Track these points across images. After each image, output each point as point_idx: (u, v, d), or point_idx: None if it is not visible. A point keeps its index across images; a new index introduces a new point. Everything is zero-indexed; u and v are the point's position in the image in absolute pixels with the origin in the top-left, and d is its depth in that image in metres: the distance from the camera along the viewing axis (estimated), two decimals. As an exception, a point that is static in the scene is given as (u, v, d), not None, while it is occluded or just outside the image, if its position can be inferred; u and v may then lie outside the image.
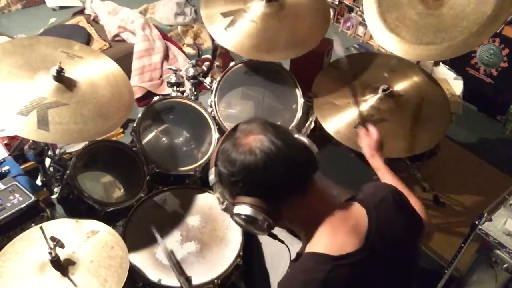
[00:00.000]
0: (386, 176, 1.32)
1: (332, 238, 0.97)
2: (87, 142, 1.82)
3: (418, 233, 1.12)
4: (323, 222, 0.99)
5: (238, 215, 0.97)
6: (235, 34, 1.96)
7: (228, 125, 2.00)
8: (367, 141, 1.42)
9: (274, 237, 1.07)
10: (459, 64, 2.79)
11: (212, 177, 1.01)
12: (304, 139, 1.07)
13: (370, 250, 0.97)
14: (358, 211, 1.03)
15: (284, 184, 0.97)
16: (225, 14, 2.00)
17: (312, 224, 1.00)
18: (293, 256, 1.05)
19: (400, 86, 1.98)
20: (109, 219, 1.68)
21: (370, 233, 0.98)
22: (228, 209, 1.02)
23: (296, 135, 1.07)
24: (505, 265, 1.66)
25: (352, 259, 0.95)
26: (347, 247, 0.96)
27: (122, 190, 1.88)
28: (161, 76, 3.16)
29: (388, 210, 1.05)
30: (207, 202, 1.83)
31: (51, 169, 1.93)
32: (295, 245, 1.09)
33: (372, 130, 1.43)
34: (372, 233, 0.99)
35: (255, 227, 0.99)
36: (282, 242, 1.09)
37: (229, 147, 0.98)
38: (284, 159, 0.96)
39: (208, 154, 1.93)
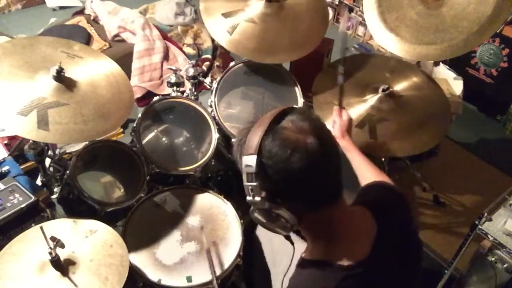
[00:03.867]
0: (356, 158, 1.34)
1: (342, 247, 0.96)
2: (87, 142, 1.82)
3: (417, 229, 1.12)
4: (336, 231, 0.97)
5: (268, 211, 0.90)
6: (235, 35, 1.96)
7: (228, 125, 2.01)
8: (339, 121, 1.55)
9: (288, 237, 1.02)
10: (459, 64, 2.79)
11: (251, 165, 0.88)
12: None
13: (379, 257, 0.96)
14: (366, 217, 1.01)
15: (322, 193, 0.92)
16: (225, 15, 2.00)
17: (325, 232, 0.97)
18: (296, 257, 1.05)
19: (400, 86, 1.98)
20: (109, 219, 1.68)
21: (378, 240, 0.97)
22: (255, 202, 0.91)
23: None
24: (505, 265, 1.66)
25: (362, 268, 0.93)
26: (357, 255, 0.94)
27: (122, 190, 1.88)
28: (161, 76, 3.16)
29: (395, 214, 1.05)
30: (207, 202, 1.83)
31: (51, 169, 1.92)
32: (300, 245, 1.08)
33: (345, 112, 1.57)
34: (381, 239, 0.97)
35: (277, 225, 0.94)
36: (292, 243, 1.04)
37: (278, 142, 0.87)
38: (329, 168, 0.91)
39: (208, 154, 1.93)
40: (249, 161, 0.88)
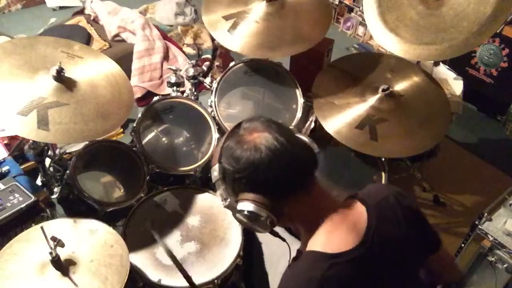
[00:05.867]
0: None
1: (330, 236, 0.98)
2: (87, 142, 1.82)
3: (427, 244, 1.10)
4: (323, 220, 0.99)
5: (241, 211, 0.97)
6: (238, 35, 1.97)
7: (228, 125, 2.01)
8: None
9: (276, 234, 1.07)
10: (459, 64, 2.79)
11: (215, 174, 1.00)
12: (305, 138, 1.07)
13: (368, 247, 0.97)
14: (358, 208, 1.03)
15: (288, 180, 0.97)
16: (227, 17, 2.00)
17: (313, 222, 1.00)
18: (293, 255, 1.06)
19: (400, 86, 1.98)
20: (109, 219, 1.68)
21: (369, 231, 0.98)
22: (231, 206, 1.01)
23: (297, 134, 1.07)
24: (505, 265, 1.66)
25: (350, 256, 0.95)
26: (345, 244, 0.96)
27: (122, 190, 1.88)
28: (161, 76, 3.16)
29: (390, 209, 1.05)
30: (207, 202, 1.83)
31: (51, 169, 1.93)
32: (295, 245, 1.09)
33: None
34: (371, 230, 0.98)
35: (258, 224, 0.99)
36: (284, 240, 1.09)
37: (233, 144, 0.98)
38: (288, 156, 0.96)
39: (208, 154, 1.93)
40: (214, 170, 1.01)
